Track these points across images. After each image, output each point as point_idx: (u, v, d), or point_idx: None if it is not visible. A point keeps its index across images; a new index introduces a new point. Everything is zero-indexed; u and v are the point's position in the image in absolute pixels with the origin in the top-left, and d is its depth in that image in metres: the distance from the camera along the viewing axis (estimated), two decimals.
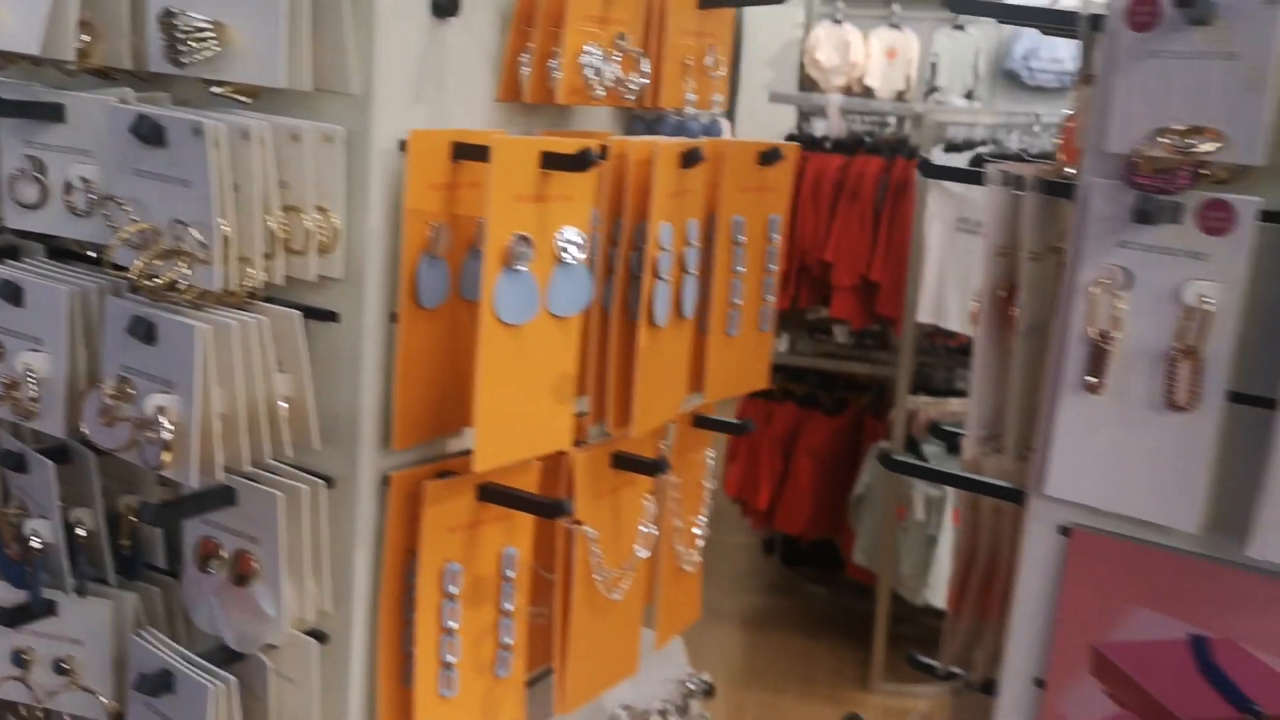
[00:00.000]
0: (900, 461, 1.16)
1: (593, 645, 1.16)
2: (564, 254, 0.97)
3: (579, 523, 1.10)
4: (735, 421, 1.26)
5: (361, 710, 1.07)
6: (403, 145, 0.97)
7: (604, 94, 1.03)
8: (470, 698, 1.07)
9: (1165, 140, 0.86)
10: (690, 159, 1.05)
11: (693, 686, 1.34)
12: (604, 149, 1.01)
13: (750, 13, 4.59)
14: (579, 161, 0.93)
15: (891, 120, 3.67)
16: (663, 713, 1.31)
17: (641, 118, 1.22)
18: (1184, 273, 0.90)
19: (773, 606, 3.61)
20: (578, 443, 1.10)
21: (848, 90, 4.38)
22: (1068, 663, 1.03)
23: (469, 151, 0.96)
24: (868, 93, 4.43)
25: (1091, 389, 0.95)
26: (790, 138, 4.78)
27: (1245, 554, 0.89)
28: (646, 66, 1.09)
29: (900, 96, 4.43)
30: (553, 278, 0.97)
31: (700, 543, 1.33)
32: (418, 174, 0.95)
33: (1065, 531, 1.02)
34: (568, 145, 0.94)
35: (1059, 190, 1.00)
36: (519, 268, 0.94)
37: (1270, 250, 0.87)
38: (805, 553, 3.74)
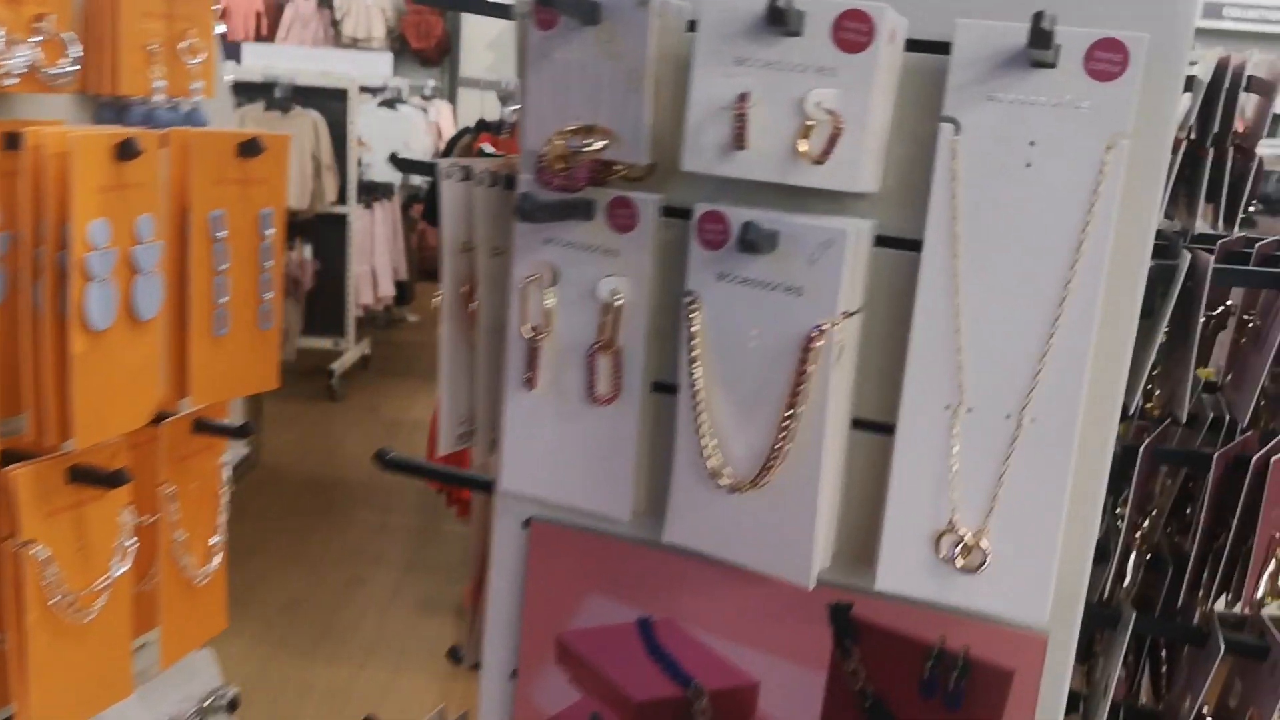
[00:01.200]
0: (391, 460, 1.15)
1: (66, 672, 1.09)
2: None
3: (30, 543, 1.02)
4: (231, 425, 1.21)
5: None
6: None
7: (17, 80, 0.95)
8: None
9: (559, 141, 0.87)
10: (127, 151, 0.98)
11: (213, 702, 1.28)
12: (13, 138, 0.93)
13: None
14: None
15: None
16: None
17: (111, 106, 1.14)
18: (599, 269, 0.92)
19: None
20: (25, 458, 1.02)
21: None
22: (536, 653, 1.04)
23: None
24: None
25: (530, 384, 0.96)
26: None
27: (665, 539, 0.92)
28: (77, 51, 1.01)
29: None
30: None
31: (217, 554, 1.27)
32: None
33: (527, 524, 1.04)
34: None
35: (510, 185, 1.01)
36: None
37: (674, 245, 0.90)
38: None
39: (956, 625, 0.90)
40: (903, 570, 0.86)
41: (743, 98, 0.78)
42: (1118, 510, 0.95)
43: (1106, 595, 0.90)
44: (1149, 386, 0.97)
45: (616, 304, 0.91)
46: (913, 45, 0.84)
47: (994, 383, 0.82)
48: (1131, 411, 0.91)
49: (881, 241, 0.88)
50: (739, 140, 0.79)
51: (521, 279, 0.94)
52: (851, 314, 0.84)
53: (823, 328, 0.80)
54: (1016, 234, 0.80)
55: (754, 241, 0.77)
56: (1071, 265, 0.80)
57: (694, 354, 0.85)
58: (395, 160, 1.07)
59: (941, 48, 0.81)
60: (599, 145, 0.86)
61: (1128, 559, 0.90)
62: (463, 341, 1.05)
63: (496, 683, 1.07)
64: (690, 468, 0.88)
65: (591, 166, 0.87)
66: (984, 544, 0.84)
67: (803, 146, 0.79)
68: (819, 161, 0.78)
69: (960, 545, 0.84)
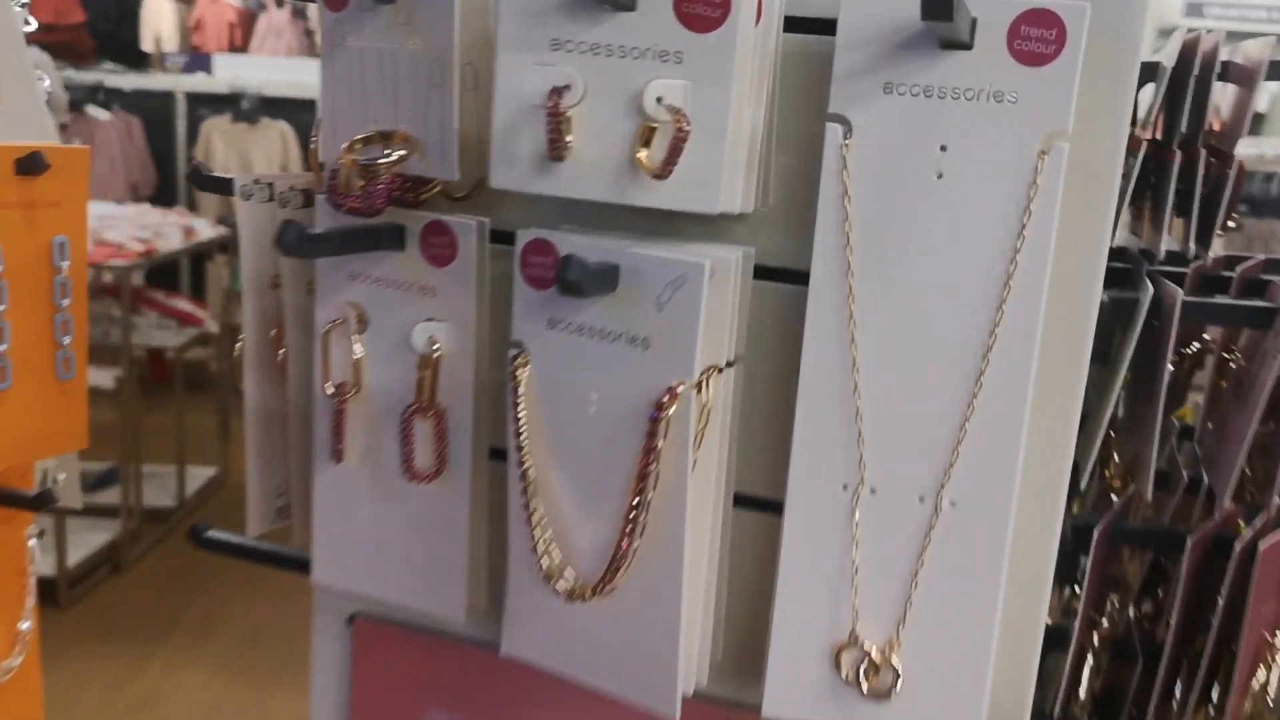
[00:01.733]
0: (208, 538, 0.95)
1: None
2: None
3: None
4: (28, 494, 1.01)
5: None
6: None
7: None
8: None
9: (350, 153, 0.68)
10: None
11: None
12: None
13: None
14: None
15: None
16: None
17: None
18: (414, 311, 0.73)
19: None
20: None
21: None
22: None
23: None
24: None
25: (337, 455, 0.77)
26: None
27: (502, 651, 0.73)
28: None
29: None
30: None
31: (23, 643, 1.08)
32: None
33: (351, 620, 0.84)
34: None
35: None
36: None
37: (508, 280, 0.71)
38: None
39: None
40: (795, 694, 0.67)
41: (557, 93, 0.60)
42: (1070, 599, 0.77)
43: (1060, 709, 0.72)
44: (1106, 451, 0.79)
45: (435, 355, 0.72)
46: (794, 25, 0.66)
47: (902, 456, 0.64)
48: (1084, 485, 0.72)
49: (765, 274, 0.69)
50: (555, 149, 0.60)
51: (323, 325, 0.75)
52: (723, 368, 0.65)
53: (675, 390, 0.61)
54: (927, 264, 0.62)
55: (576, 282, 0.58)
56: (999, 303, 0.61)
57: (520, 424, 0.66)
58: (191, 175, 0.88)
59: (830, 26, 0.63)
60: (396, 156, 0.67)
61: (1082, 665, 0.72)
62: (272, 396, 0.86)
63: None
64: (524, 567, 0.69)
65: (391, 184, 0.69)
66: (895, 661, 0.65)
67: (642, 155, 0.60)
68: (660, 175, 0.59)
69: (865, 663, 0.66)
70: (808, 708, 0.67)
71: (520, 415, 0.66)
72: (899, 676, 0.65)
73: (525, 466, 0.67)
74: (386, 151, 0.68)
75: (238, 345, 0.85)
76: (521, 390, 0.66)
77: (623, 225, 0.70)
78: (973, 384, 0.62)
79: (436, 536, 0.75)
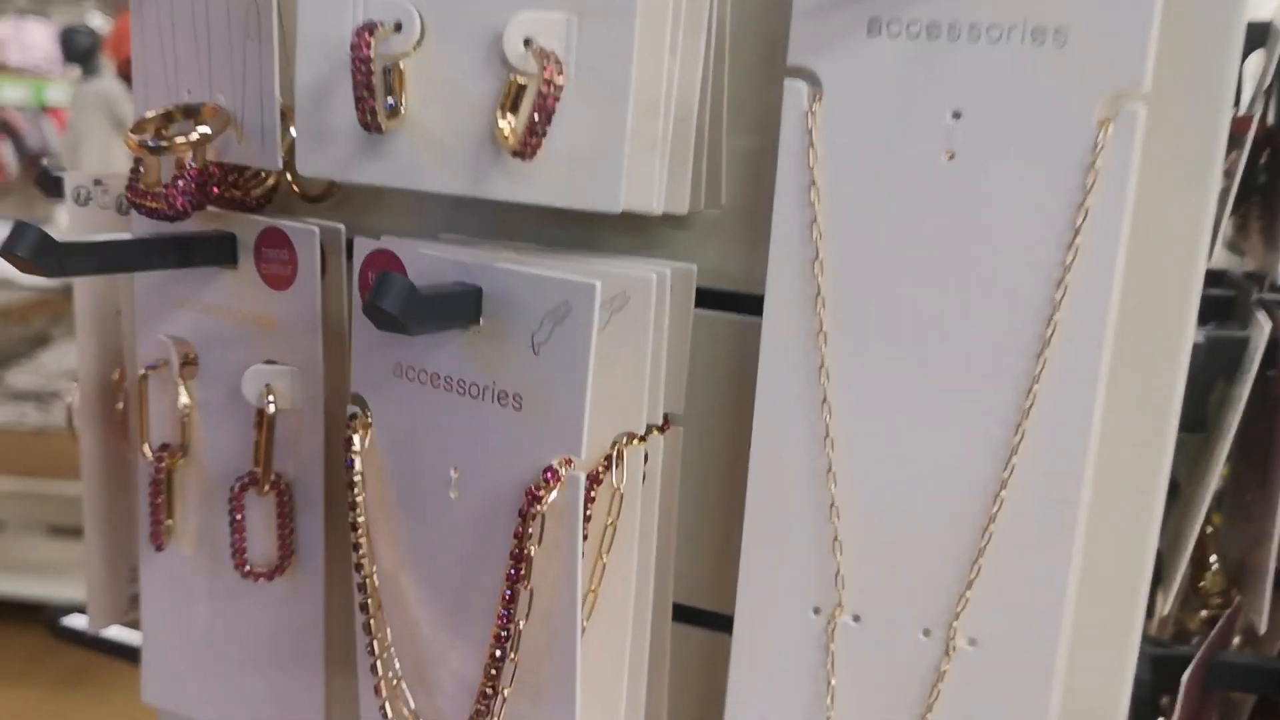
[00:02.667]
0: (63, 629, 0.77)
1: None
2: None
3: None
4: None
5: None
6: None
7: None
8: None
9: (136, 136, 0.50)
10: None
11: None
12: None
13: None
14: None
15: None
16: None
17: None
18: (252, 350, 0.54)
19: None
20: None
21: None
22: None
23: None
24: None
25: (156, 540, 0.58)
26: None
27: None
28: None
29: None
30: None
31: None
32: None
33: None
34: None
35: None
36: None
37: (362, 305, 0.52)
38: None
39: None
40: None
41: (368, 30, 0.40)
42: None
43: None
44: (1201, 552, 0.58)
45: (270, 410, 0.53)
46: None
47: (897, 571, 0.43)
48: (1167, 606, 0.51)
49: (719, 300, 0.50)
50: (367, 115, 0.41)
51: (141, 367, 0.57)
52: (644, 435, 0.45)
53: (554, 471, 0.42)
54: (932, 288, 0.41)
55: (390, 314, 0.39)
56: (1040, 348, 0.40)
57: (357, 513, 0.47)
58: (38, 180, 0.71)
59: None
60: (194, 136, 0.49)
61: None
62: (114, 456, 0.67)
63: None
64: (370, 714, 0.49)
65: (203, 175, 0.50)
66: None
67: (505, 126, 0.40)
68: (521, 153, 0.40)
69: None
70: None
71: (357, 500, 0.47)
72: None
73: (365, 575, 0.47)
74: (180, 129, 0.49)
75: (69, 394, 0.67)
76: (357, 466, 0.47)
77: (534, 235, 0.51)
78: (1000, 467, 0.41)
79: (285, 651, 0.56)
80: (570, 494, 0.41)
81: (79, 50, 3.11)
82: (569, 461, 0.42)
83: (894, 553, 0.43)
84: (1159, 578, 0.52)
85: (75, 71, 3.22)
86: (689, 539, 0.51)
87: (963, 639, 0.43)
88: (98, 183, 0.65)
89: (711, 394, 0.49)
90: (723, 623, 0.50)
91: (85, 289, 0.66)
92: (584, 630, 0.43)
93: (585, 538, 0.44)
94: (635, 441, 0.45)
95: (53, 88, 3.46)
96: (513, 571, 0.42)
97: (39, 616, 0.78)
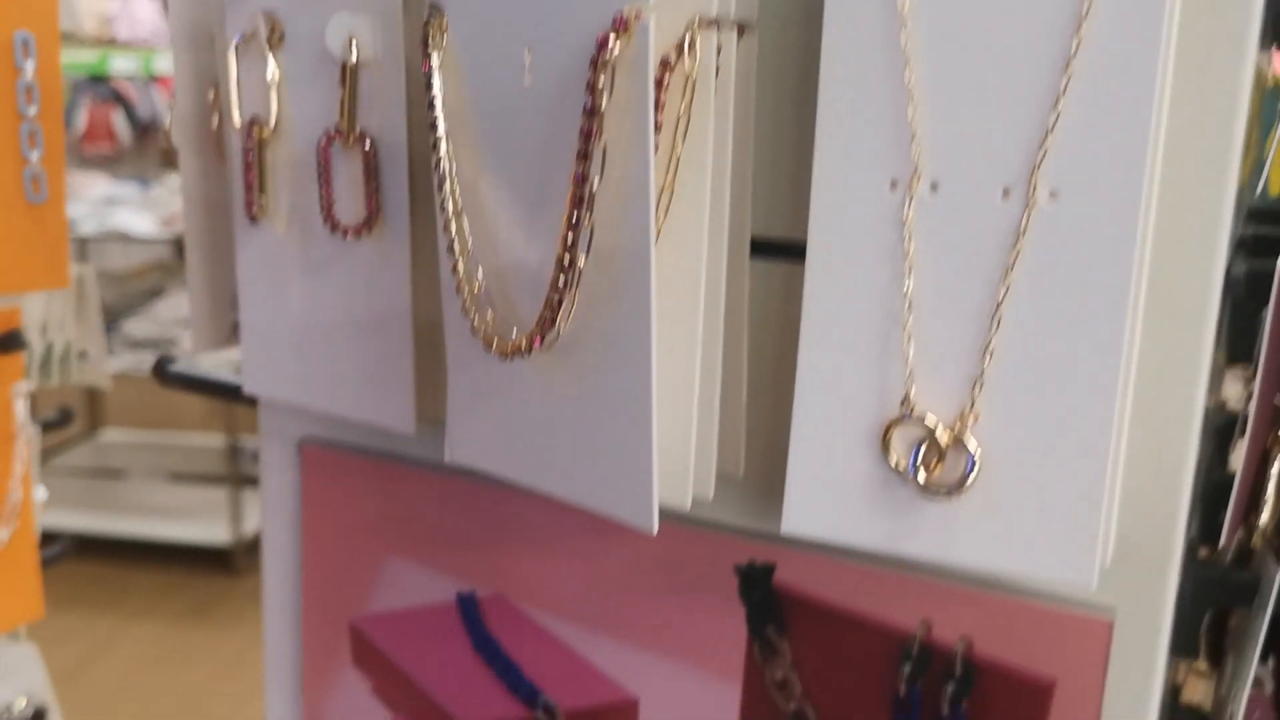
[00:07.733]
0: (172, 373, 0.80)
1: None
2: None
3: None
4: (17, 335, 0.89)
5: None
6: None
7: None
8: None
9: None
10: None
11: (17, 711, 0.97)
12: None
13: None
14: None
15: None
16: None
17: None
18: (333, 4, 0.55)
19: None
20: None
21: None
22: (324, 648, 0.68)
23: None
24: None
25: (250, 210, 0.60)
26: None
27: (447, 456, 0.55)
28: None
29: None
30: None
31: (12, 514, 0.96)
32: None
33: (300, 446, 0.68)
34: None
35: None
36: None
37: None
38: None
39: (950, 600, 0.51)
40: (827, 498, 0.47)
41: None
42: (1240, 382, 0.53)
43: (1228, 542, 0.49)
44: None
45: (352, 61, 0.54)
46: None
47: (973, 126, 0.43)
48: None
49: None
50: None
51: (231, 40, 0.59)
52: (719, 25, 0.45)
53: (623, 19, 0.42)
54: None
55: None
56: None
57: (436, 117, 0.48)
58: None
59: None
60: None
61: (1268, 470, 0.49)
62: (215, 177, 0.70)
63: (281, 690, 0.71)
64: (457, 329, 0.50)
65: None
66: (969, 441, 0.44)
67: None
68: None
69: (926, 444, 0.45)
70: (843, 516, 0.46)
71: (435, 104, 0.48)
72: (975, 463, 0.44)
73: (443, 178, 0.48)
74: None
75: (168, 112, 0.69)
76: (437, 66, 0.47)
77: None
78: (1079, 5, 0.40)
79: (372, 314, 0.58)
80: (640, 42, 0.41)
81: None
82: (638, 15, 0.42)
83: (970, 108, 0.42)
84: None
85: None
86: (765, 167, 0.50)
87: (1044, 192, 0.42)
88: None
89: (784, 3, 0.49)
90: (800, 252, 0.50)
91: (180, 10, 0.68)
92: (656, 259, 0.43)
93: (658, 128, 0.44)
94: (712, 27, 0.45)
95: (160, 58, 3.56)
96: (586, 126, 0.42)
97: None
